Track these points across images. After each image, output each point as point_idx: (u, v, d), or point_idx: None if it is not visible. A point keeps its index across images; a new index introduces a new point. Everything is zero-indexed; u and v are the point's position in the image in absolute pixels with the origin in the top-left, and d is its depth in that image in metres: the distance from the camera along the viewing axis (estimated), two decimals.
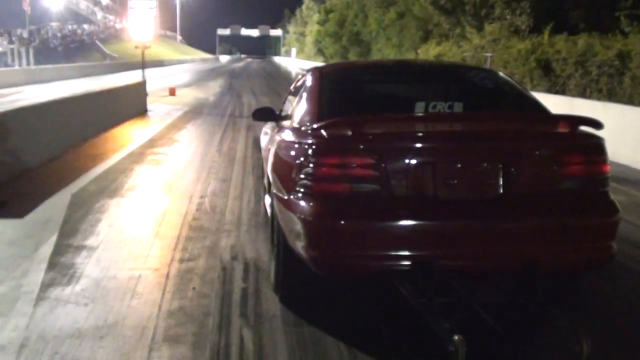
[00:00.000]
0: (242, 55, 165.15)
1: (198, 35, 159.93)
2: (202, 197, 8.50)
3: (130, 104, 17.98)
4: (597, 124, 3.96)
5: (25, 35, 67.84)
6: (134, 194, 8.64)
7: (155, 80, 35.55)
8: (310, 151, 3.90)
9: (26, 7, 78.75)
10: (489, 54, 23.38)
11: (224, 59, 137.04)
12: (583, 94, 16.72)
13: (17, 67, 51.75)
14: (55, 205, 7.81)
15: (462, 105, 4.64)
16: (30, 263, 5.77)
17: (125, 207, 7.89)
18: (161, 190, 8.94)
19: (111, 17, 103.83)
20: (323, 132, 3.96)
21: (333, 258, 3.79)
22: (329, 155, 3.83)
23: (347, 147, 3.83)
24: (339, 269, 3.87)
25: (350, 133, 3.86)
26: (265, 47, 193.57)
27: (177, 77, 44.68)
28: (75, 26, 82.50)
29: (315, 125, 4.12)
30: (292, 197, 4.03)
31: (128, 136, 14.23)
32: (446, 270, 3.81)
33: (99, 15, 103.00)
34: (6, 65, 55.28)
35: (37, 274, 5.49)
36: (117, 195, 8.51)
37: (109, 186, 9.03)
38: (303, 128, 4.41)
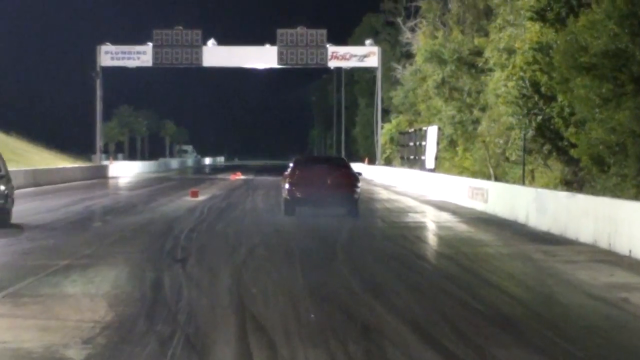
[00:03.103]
0: (216, 159, 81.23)
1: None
2: None
3: None
4: (359, 174, 26.12)
5: None
6: None
7: None
8: (290, 172, 24.83)
9: None
10: None
11: (133, 169, 61.57)
12: None
13: None
14: None
15: (327, 165, 25.97)
16: None
17: None
18: None
19: None
20: (293, 170, 25.02)
21: (293, 196, 23.50)
22: (293, 174, 24.42)
23: (296, 172, 24.57)
24: (294, 199, 23.58)
25: (298, 170, 24.89)
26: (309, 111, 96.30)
27: None
28: None
29: (290, 168, 25.46)
30: (285, 183, 23.94)
31: None
32: (316, 201, 23.44)
33: None
34: None
35: None
36: None
37: None
38: (291, 168, 25.19)
